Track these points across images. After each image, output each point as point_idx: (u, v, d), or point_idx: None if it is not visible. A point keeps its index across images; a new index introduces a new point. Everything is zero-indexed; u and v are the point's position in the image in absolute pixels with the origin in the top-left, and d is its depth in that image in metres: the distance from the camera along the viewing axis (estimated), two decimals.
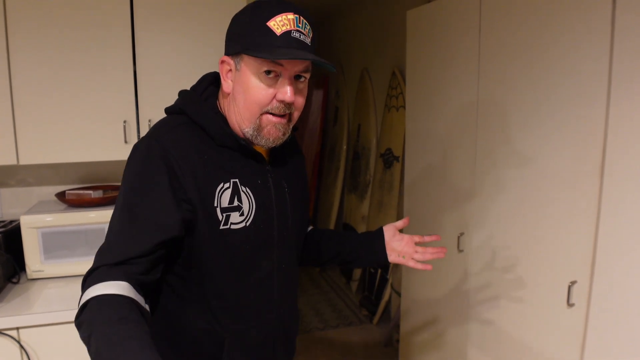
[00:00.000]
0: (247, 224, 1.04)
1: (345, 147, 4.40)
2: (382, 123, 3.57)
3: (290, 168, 1.18)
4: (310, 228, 1.37)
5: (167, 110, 1.09)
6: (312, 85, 5.18)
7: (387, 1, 3.55)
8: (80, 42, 1.86)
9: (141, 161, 0.98)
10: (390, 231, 1.30)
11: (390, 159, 3.41)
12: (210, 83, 1.10)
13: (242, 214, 1.03)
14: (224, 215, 1.01)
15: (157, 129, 1.02)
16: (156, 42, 1.95)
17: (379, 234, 1.31)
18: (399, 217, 3.25)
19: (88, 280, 0.90)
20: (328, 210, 4.61)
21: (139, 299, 0.90)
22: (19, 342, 1.61)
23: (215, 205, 1.00)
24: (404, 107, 3.16)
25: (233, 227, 1.02)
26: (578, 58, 1.45)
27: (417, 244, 1.30)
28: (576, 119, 1.47)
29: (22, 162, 1.86)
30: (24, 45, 1.80)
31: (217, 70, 1.08)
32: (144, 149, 0.98)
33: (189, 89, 1.11)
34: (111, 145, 1.95)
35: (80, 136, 1.91)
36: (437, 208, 2.27)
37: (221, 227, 1.01)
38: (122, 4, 1.89)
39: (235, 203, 1.02)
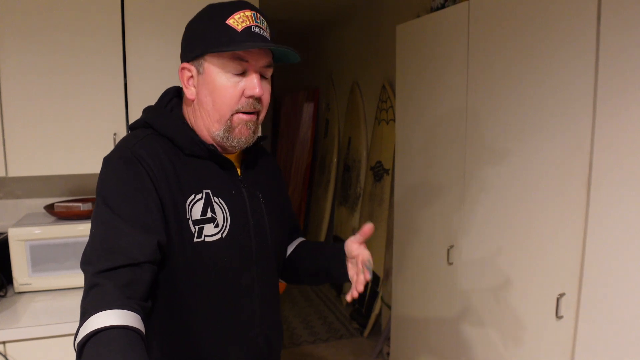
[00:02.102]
0: (223, 235, 1.00)
1: (335, 159, 4.41)
2: (373, 136, 3.60)
3: (264, 178, 1.15)
4: (300, 240, 1.30)
5: (131, 126, 1.07)
6: (303, 97, 5.20)
7: (377, 15, 3.59)
8: (70, 54, 1.86)
9: (120, 168, 0.95)
10: (352, 246, 1.09)
11: (380, 172, 3.42)
12: (174, 96, 1.09)
13: (216, 226, 1.00)
14: (197, 227, 0.97)
15: (126, 141, 0.99)
16: (147, 54, 1.96)
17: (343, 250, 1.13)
18: (389, 230, 3.26)
19: (95, 295, 0.81)
20: (319, 223, 4.61)
21: (143, 328, 0.83)
22: (5, 356, 1.58)
23: (187, 217, 0.97)
24: (394, 120, 3.18)
25: (208, 239, 0.98)
26: (565, 70, 1.48)
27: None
28: (563, 131, 1.49)
29: (11, 174, 1.85)
30: (13, 60, 1.80)
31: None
32: (118, 159, 0.96)
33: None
34: (101, 158, 1.89)
35: (69, 148, 1.90)
36: (427, 221, 2.28)
37: (195, 240, 0.97)
38: (113, 13, 1.90)
39: (209, 214, 0.99)
